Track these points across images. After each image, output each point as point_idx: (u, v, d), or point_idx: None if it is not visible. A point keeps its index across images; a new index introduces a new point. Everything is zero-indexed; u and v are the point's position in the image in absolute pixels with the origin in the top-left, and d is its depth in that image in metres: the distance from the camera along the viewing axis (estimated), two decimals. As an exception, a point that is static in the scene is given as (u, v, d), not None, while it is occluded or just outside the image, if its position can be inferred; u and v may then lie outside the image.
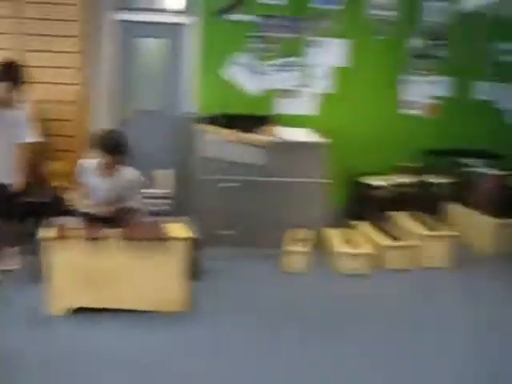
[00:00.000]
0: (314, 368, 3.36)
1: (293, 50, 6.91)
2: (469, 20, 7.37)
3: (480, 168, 7.10)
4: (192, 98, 6.80)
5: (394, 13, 7.16)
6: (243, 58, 6.81)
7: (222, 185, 5.30)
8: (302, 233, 5.40)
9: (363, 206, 6.53)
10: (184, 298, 4.02)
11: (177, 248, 3.99)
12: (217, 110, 6.31)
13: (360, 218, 6.19)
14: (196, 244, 4.40)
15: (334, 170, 5.98)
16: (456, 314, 4.37)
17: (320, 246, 5.56)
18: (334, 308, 4.32)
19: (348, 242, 5.31)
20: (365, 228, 5.75)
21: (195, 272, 4.46)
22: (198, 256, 4.59)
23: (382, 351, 3.65)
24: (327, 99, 7.08)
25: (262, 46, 6.81)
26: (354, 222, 5.99)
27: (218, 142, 5.30)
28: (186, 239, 4.04)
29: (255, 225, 5.43)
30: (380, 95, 7.29)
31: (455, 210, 6.52)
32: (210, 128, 5.51)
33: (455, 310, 4.46)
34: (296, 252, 5.05)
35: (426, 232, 5.47)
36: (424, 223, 5.72)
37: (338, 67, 7.08)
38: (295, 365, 3.38)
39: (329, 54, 7.00)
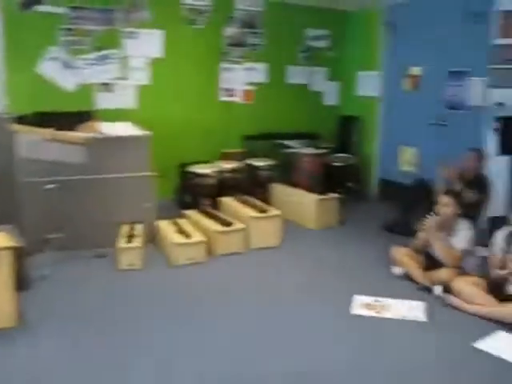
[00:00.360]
0: (148, 368, 3.34)
1: (107, 42, 6.73)
2: (281, 8, 7.70)
3: (300, 149, 7.47)
4: (1, 97, 6.37)
5: (208, 2, 7.25)
6: (55, 52, 6.50)
7: (44, 187, 5.03)
8: (133, 228, 5.31)
9: (193, 194, 6.59)
10: (13, 311, 3.78)
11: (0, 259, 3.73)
12: (30, 109, 5.99)
13: (191, 206, 6.23)
14: (21, 252, 4.15)
15: (161, 161, 5.96)
16: (280, 285, 4.60)
17: (153, 240, 5.52)
18: (169, 300, 4.30)
19: (180, 232, 5.32)
20: (196, 216, 5.79)
21: (22, 282, 4.21)
22: (24, 265, 4.34)
23: (222, 339, 3.73)
24: (147, 91, 7.01)
25: (74, 38, 6.54)
26: (185, 212, 6.00)
27: (35, 143, 5.01)
28: (8, 248, 3.79)
29: (84, 225, 5.24)
30: (200, 84, 7.38)
31: (280, 191, 6.80)
32: (25, 128, 5.19)
33: (282, 281, 4.69)
34: (128, 248, 4.95)
35: (254, 214, 5.64)
36: (252, 206, 5.89)
37: (156, 58, 7.03)
38: (126, 366, 3.33)
39: (146, 45, 6.93)
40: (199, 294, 4.43)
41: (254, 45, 7.71)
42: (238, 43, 7.59)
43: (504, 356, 3.51)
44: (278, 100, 7.90)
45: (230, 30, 7.50)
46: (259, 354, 3.48)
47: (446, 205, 4.56)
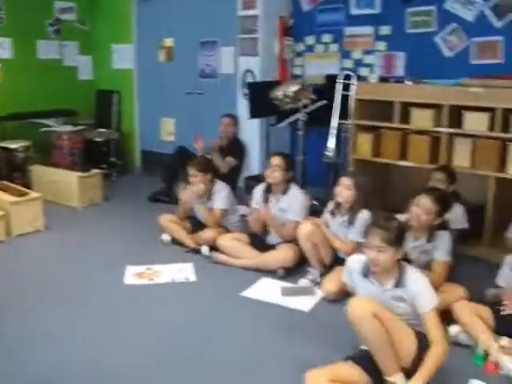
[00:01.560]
0: None
1: None
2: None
3: (57, 127, 7.20)
4: None
5: None
6: None
7: None
8: None
9: None
10: None
11: None
12: None
13: None
14: None
15: None
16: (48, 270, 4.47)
17: None
18: None
19: None
20: None
21: None
22: None
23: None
24: None
25: None
26: None
27: None
28: None
29: None
30: None
31: (40, 172, 6.47)
32: None
33: (49, 266, 4.53)
34: None
35: (13, 199, 5.31)
36: (10, 191, 5.53)
37: None
38: None
39: None
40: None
41: (-4, 18, 7.14)
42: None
43: (265, 299, 3.88)
44: (28, 77, 7.43)
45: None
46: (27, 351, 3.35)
47: (193, 175, 4.72)
